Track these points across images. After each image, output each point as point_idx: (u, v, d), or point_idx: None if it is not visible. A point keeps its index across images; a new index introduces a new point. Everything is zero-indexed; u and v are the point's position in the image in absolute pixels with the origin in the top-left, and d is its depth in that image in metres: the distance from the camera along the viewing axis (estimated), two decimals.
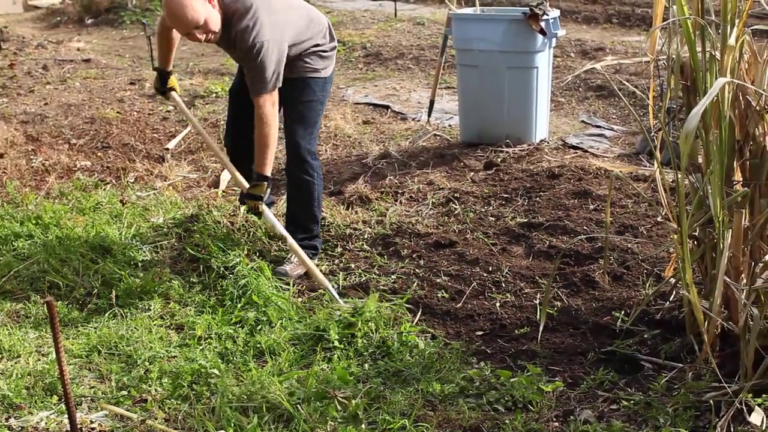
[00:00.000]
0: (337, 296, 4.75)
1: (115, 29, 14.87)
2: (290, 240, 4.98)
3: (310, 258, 5.12)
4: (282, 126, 5.21)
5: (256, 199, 4.86)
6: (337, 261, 5.26)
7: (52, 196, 6.22)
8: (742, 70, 3.73)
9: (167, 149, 7.33)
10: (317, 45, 5.11)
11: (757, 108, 3.59)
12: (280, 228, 5.02)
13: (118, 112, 8.37)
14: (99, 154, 7.23)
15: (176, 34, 5.14)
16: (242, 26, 4.71)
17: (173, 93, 5.36)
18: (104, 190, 6.36)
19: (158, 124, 8.06)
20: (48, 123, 8.02)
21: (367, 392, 3.73)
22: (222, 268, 4.88)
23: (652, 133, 4.53)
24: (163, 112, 8.49)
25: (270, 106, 4.81)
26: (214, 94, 9.10)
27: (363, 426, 3.48)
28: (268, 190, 4.93)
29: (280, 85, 4.88)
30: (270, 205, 5.76)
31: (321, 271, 5.05)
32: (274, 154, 4.92)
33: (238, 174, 5.04)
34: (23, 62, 11.05)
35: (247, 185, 4.96)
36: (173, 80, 5.36)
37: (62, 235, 5.34)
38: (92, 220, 5.62)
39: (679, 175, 3.57)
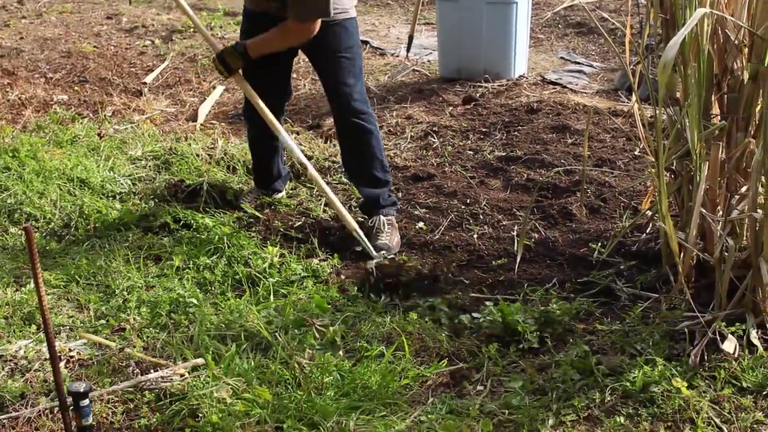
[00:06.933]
0: (370, 247, 4.46)
1: None
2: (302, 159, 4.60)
3: (392, 215, 4.77)
4: (323, 83, 4.76)
5: (227, 68, 4.48)
6: (315, 192, 5.23)
7: (28, 129, 6.16)
8: (722, 4, 3.72)
9: (145, 83, 7.28)
10: None
11: (736, 42, 3.60)
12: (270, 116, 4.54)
13: (94, 47, 8.28)
14: (76, 88, 7.16)
15: None
16: None
17: None
18: (81, 123, 6.29)
19: (135, 59, 7.98)
20: (24, 57, 7.93)
21: (344, 320, 3.76)
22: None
23: (631, 67, 4.52)
24: (140, 47, 8.40)
25: (303, 33, 4.35)
26: (191, 29, 8.98)
27: (341, 353, 3.51)
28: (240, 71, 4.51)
29: (329, 16, 4.31)
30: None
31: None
32: (270, 51, 4.45)
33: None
34: None
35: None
36: None
37: (39, 168, 5.30)
38: (69, 152, 5.58)
39: (657, 108, 3.58)
